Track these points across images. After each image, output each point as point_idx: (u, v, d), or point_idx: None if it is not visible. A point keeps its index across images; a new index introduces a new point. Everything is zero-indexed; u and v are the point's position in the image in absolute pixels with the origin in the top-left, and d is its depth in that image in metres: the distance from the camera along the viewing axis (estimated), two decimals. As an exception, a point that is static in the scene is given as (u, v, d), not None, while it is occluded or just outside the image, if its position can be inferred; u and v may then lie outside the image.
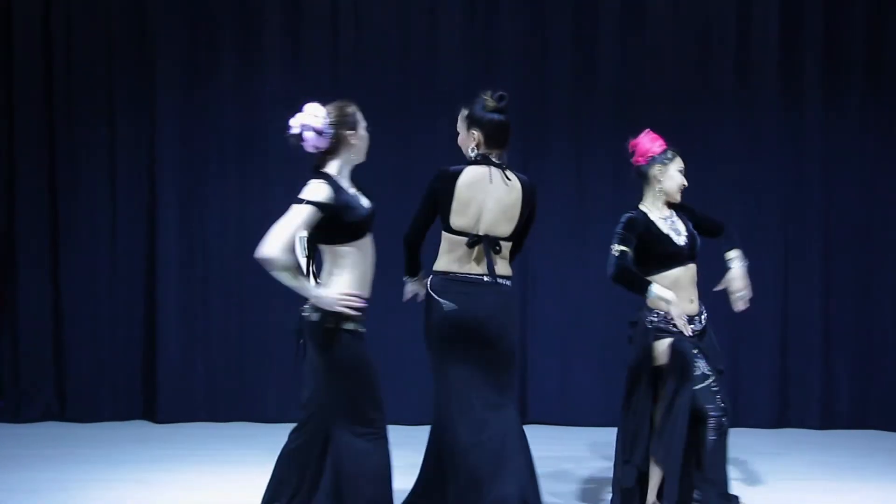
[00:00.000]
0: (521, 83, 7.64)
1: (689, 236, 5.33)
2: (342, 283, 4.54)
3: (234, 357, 7.95)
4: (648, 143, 5.35)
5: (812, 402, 7.82)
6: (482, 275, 4.97)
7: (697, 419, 5.17)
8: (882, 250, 7.84)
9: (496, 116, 5.01)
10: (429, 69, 7.87)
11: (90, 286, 7.90)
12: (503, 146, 5.05)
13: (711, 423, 5.16)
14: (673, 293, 5.10)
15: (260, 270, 7.80)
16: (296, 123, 4.58)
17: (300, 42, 7.93)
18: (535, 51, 7.89)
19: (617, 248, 5.17)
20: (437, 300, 4.92)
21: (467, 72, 7.80)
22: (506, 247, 5.05)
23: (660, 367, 5.23)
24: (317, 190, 4.48)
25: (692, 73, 7.85)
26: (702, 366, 5.21)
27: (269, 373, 7.91)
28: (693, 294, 5.31)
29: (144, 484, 6.12)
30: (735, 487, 5.52)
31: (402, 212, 5.13)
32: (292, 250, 4.59)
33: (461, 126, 5.09)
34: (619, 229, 5.22)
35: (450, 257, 5.00)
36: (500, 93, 5.04)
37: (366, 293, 4.61)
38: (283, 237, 4.38)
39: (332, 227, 4.50)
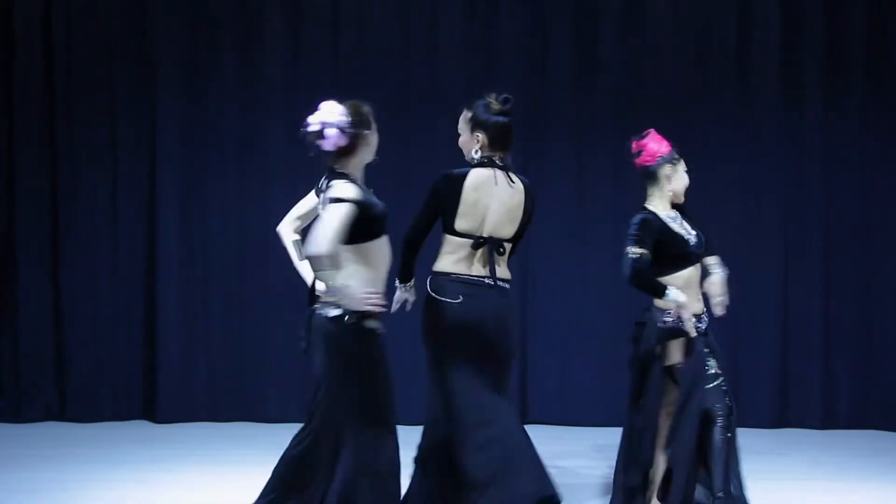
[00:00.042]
0: (521, 83, 7.64)
1: (697, 235, 5.34)
2: (363, 281, 4.55)
3: (235, 357, 7.95)
4: (656, 143, 5.35)
5: (812, 402, 7.83)
6: (484, 277, 5.00)
7: (707, 419, 5.19)
8: (882, 250, 7.84)
9: (501, 119, 5.03)
10: (429, 69, 7.87)
11: (90, 286, 7.91)
12: (507, 148, 5.08)
13: (720, 422, 5.18)
14: (685, 295, 5.13)
15: (260, 270, 7.89)
16: (315, 121, 4.58)
17: (300, 42, 7.93)
18: (535, 51, 7.89)
19: (635, 250, 5.14)
20: (441, 300, 4.92)
21: (467, 72, 7.80)
22: (508, 248, 5.09)
23: (670, 367, 5.23)
24: (348, 189, 4.50)
25: (692, 73, 7.86)
26: (713, 365, 5.24)
27: (269, 373, 7.91)
28: (700, 293, 5.33)
29: (144, 484, 6.12)
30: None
31: (401, 212, 5.13)
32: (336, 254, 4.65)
33: (464, 128, 5.10)
34: (633, 231, 5.18)
35: (452, 259, 5.00)
36: (505, 95, 5.05)
37: (382, 291, 4.63)
38: (332, 235, 4.40)
39: (357, 225, 4.50)
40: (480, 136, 5.03)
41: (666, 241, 5.21)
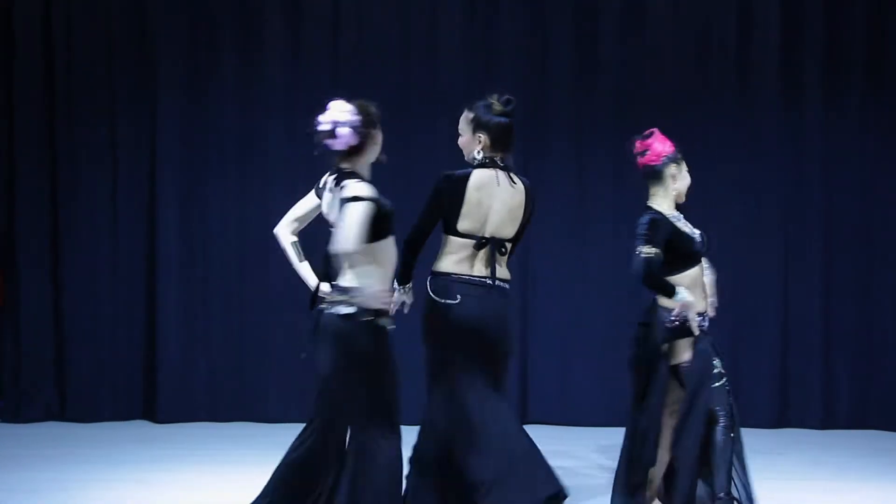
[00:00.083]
0: (521, 83, 7.64)
1: (700, 235, 5.35)
2: (374, 280, 4.57)
3: (235, 357, 7.95)
4: (661, 142, 5.36)
5: (812, 402, 7.83)
6: (486, 277, 5.03)
7: (710, 419, 5.20)
8: (882, 250, 7.84)
9: (503, 120, 5.05)
10: (429, 69, 7.87)
11: (90, 286, 7.91)
12: (508, 149, 5.12)
13: (722, 422, 5.20)
14: (692, 294, 5.15)
15: (260, 270, 7.89)
16: (327, 119, 4.59)
17: (300, 42, 7.93)
18: (535, 51, 7.89)
19: (647, 249, 5.12)
20: (442, 301, 4.92)
21: (467, 72, 7.81)
22: (509, 248, 5.12)
23: (675, 367, 5.23)
24: (363, 188, 4.52)
25: (692, 73, 7.86)
26: (718, 364, 5.26)
27: (269, 373, 7.91)
28: (703, 292, 5.34)
29: (144, 484, 6.12)
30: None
31: (401, 213, 5.12)
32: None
33: (465, 128, 5.12)
34: (643, 231, 5.16)
35: (453, 259, 5.02)
36: (507, 97, 5.09)
37: (391, 290, 4.69)
38: (357, 232, 4.43)
39: (370, 225, 4.52)
40: (483, 136, 5.06)
41: (674, 240, 5.21)
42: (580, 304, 7.84)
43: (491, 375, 5.02)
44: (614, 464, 6.41)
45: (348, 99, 4.69)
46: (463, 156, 5.19)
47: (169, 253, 7.90)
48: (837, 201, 7.84)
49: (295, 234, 4.80)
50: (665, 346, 5.20)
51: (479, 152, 5.08)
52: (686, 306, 5.11)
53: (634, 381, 5.30)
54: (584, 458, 6.76)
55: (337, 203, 4.55)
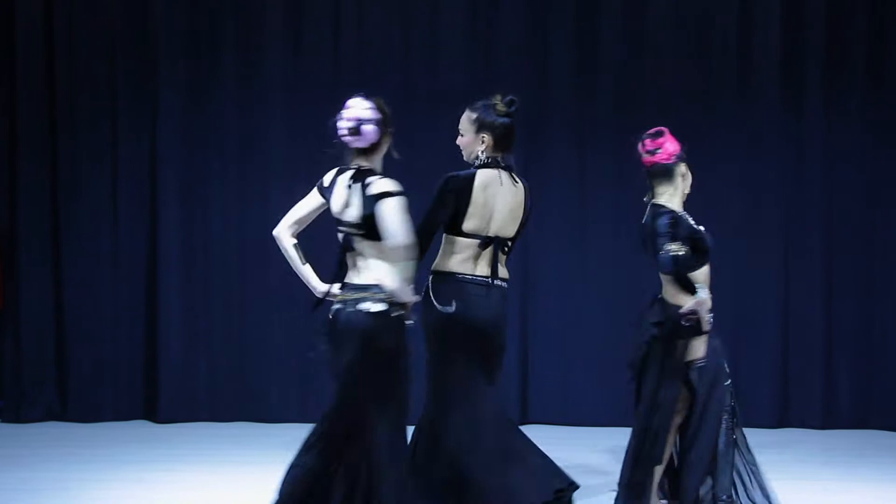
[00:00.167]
0: (521, 83, 7.63)
1: (707, 231, 5.38)
2: (393, 276, 4.59)
3: (236, 357, 7.95)
4: (672, 141, 5.37)
5: (813, 402, 7.82)
6: (488, 276, 5.06)
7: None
8: (883, 250, 7.84)
9: (507, 121, 5.08)
10: (429, 69, 7.87)
11: (92, 286, 7.91)
12: (509, 149, 5.16)
13: (724, 423, 5.24)
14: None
15: (260, 270, 7.90)
16: (351, 116, 4.59)
17: (301, 42, 7.94)
18: (536, 51, 7.89)
19: (674, 247, 5.12)
20: (440, 306, 4.93)
21: (468, 72, 7.81)
22: (510, 247, 5.16)
23: (688, 365, 5.25)
24: (392, 183, 4.56)
25: (692, 73, 7.85)
26: (725, 364, 5.30)
27: (270, 373, 7.92)
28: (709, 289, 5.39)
29: (145, 484, 6.13)
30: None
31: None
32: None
33: (468, 128, 5.14)
34: (666, 229, 5.15)
35: (457, 259, 5.04)
36: (510, 97, 5.12)
37: None
38: (407, 225, 4.50)
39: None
40: (486, 137, 5.10)
41: (693, 237, 5.24)
42: (580, 304, 7.84)
43: (489, 372, 5.08)
44: (614, 464, 6.43)
45: (346, 98, 4.68)
46: (462, 155, 5.21)
47: (169, 252, 7.91)
48: (838, 201, 7.83)
49: (295, 237, 4.76)
50: (681, 344, 5.21)
51: (482, 152, 5.11)
52: (702, 304, 5.15)
53: (646, 380, 5.27)
54: (584, 458, 6.75)
55: (359, 200, 4.55)
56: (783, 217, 7.85)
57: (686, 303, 5.18)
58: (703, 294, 5.14)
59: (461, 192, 5.00)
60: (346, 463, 4.58)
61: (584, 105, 7.89)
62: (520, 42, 7.88)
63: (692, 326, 5.20)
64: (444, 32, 7.91)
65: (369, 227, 4.55)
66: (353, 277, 4.61)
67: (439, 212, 5.04)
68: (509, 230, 5.13)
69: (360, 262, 4.58)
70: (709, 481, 5.31)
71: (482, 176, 5.06)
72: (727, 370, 5.33)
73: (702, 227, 5.33)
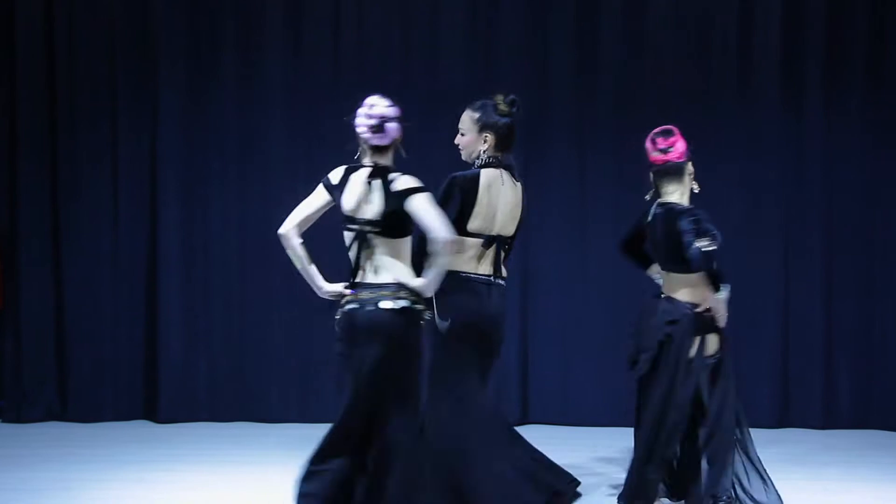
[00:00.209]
0: (521, 83, 7.63)
1: None
2: (408, 273, 4.62)
3: (236, 357, 7.95)
4: (682, 140, 5.39)
5: (813, 402, 7.82)
6: (491, 275, 5.13)
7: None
8: (883, 250, 7.84)
9: (509, 121, 5.11)
10: (429, 69, 7.87)
11: (92, 286, 7.91)
12: (510, 149, 5.20)
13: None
14: None
15: (261, 270, 7.90)
16: (374, 114, 4.62)
17: (301, 41, 7.94)
18: (536, 50, 7.89)
19: (704, 243, 5.14)
20: (441, 313, 4.94)
21: (468, 72, 7.81)
22: (510, 246, 5.24)
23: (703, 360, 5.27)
24: (414, 180, 4.61)
25: (692, 73, 7.85)
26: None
27: (270, 373, 7.92)
28: None
29: (145, 484, 6.13)
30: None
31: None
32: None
33: (470, 128, 5.17)
34: (692, 226, 5.17)
35: (460, 258, 5.05)
36: (512, 97, 5.16)
37: None
38: (445, 219, 4.58)
39: (408, 217, 4.59)
40: (489, 136, 5.14)
41: (711, 233, 5.28)
42: (580, 303, 7.84)
43: (484, 371, 5.15)
44: (614, 464, 6.45)
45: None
46: (460, 155, 5.23)
47: (169, 252, 7.91)
48: (838, 201, 7.83)
49: (300, 236, 4.72)
50: (697, 340, 5.23)
51: (483, 152, 5.14)
52: (723, 301, 5.19)
53: (659, 379, 5.26)
54: (584, 458, 6.75)
55: (380, 197, 4.57)
56: (783, 217, 7.84)
57: (696, 298, 5.21)
58: (726, 292, 5.17)
59: (467, 193, 5.04)
60: (367, 457, 4.60)
61: (584, 105, 7.89)
62: (520, 42, 7.88)
63: (708, 323, 5.23)
64: (444, 32, 7.91)
65: (388, 225, 4.57)
66: (369, 276, 4.62)
67: (445, 212, 5.05)
68: (510, 229, 5.20)
69: (376, 261, 4.59)
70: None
71: (486, 176, 5.10)
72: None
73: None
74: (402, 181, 4.59)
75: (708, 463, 5.27)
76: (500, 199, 5.13)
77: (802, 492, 6.01)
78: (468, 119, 5.20)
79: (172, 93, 7.89)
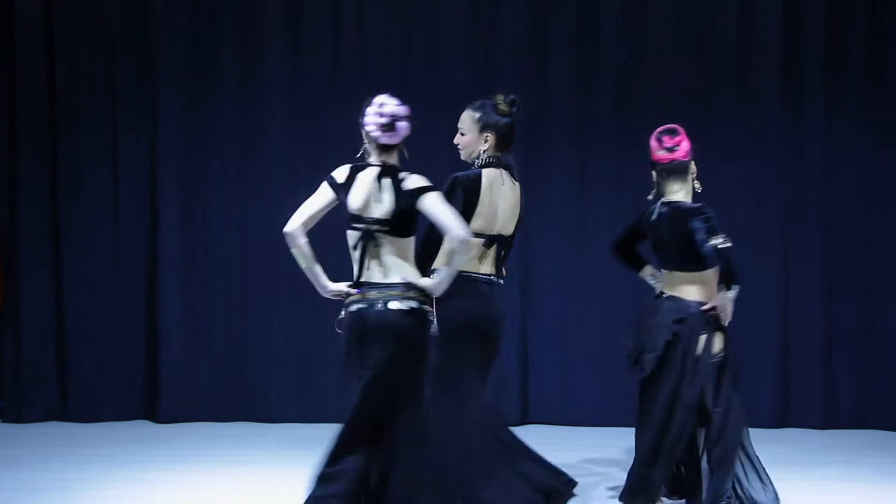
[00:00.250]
0: (522, 82, 7.64)
1: None
2: (415, 272, 4.64)
3: (236, 357, 7.95)
4: (687, 138, 5.40)
5: (813, 402, 7.82)
6: (492, 275, 5.16)
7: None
8: (883, 250, 7.84)
9: (509, 120, 5.12)
10: (429, 69, 7.87)
11: (92, 286, 7.91)
12: (510, 148, 5.20)
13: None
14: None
15: (261, 270, 7.90)
16: (386, 113, 4.61)
17: (301, 41, 7.94)
18: (536, 50, 7.89)
19: (720, 239, 5.16)
20: (449, 301, 4.94)
21: (468, 72, 7.81)
22: (510, 246, 5.25)
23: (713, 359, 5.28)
24: (423, 179, 4.62)
25: (692, 73, 7.85)
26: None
27: (270, 373, 7.92)
28: None
29: (145, 484, 6.13)
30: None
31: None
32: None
33: (471, 128, 5.17)
34: (707, 223, 5.18)
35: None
36: (512, 97, 5.17)
37: None
38: (460, 217, 4.61)
39: (415, 217, 4.61)
40: (490, 136, 5.15)
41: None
42: (580, 303, 7.84)
43: (483, 371, 5.16)
44: (614, 464, 6.45)
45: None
46: (460, 155, 5.23)
47: (170, 252, 7.91)
48: (838, 201, 7.83)
49: (306, 235, 4.67)
50: (703, 339, 5.23)
51: (483, 152, 5.15)
52: (731, 300, 5.21)
53: (666, 378, 5.26)
54: (584, 458, 6.75)
55: (391, 196, 4.57)
56: (783, 217, 7.85)
57: (702, 297, 5.23)
58: (736, 290, 5.19)
59: (470, 192, 5.04)
60: (379, 453, 4.60)
61: (584, 105, 7.89)
62: (520, 42, 7.88)
63: (714, 321, 5.24)
64: (444, 32, 7.91)
65: (398, 224, 4.58)
66: (376, 275, 4.61)
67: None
68: (509, 228, 5.22)
69: (383, 260, 4.59)
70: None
71: (487, 175, 5.12)
72: None
73: None
74: (412, 180, 4.60)
75: (716, 464, 5.25)
76: (501, 198, 5.14)
77: (802, 492, 6.01)
78: (469, 119, 5.20)
79: (172, 93, 7.89)
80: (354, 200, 4.61)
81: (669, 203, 5.34)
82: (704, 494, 5.28)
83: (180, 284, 7.93)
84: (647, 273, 5.59)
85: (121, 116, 7.91)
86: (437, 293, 4.63)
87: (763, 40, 7.81)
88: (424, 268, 4.94)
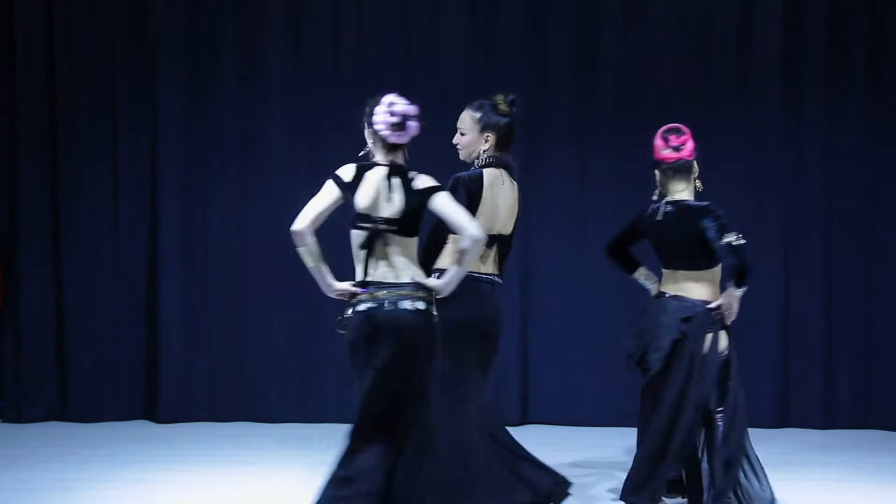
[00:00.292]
0: (522, 82, 7.64)
1: None
2: (420, 272, 4.64)
3: (236, 357, 7.95)
4: (692, 137, 5.40)
5: (813, 402, 7.82)
6: (493, 274, 5.16)
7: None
8: (883, 250, 7.84)
9: (509, 120, 5.13)
10: (429, 69, 7.87)
11: (92, 286, 7.91)
12: (510, 148, 5.21)
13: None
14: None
15: (261, 270, 7.90)
16: (397, 112, 4.59)
17: (301, 41, 7.94)
18: (536, 50, 7.89)
19: (733, 237, 5.20)
20: (448, 303, 4.94)
21: (468, 71, 7.81)
22: (510, 245, 5.26)
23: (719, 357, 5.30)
24: (432, 179, 4.62)
25: (692, 73, 7.85)
26: None
27: (270, 373, 7.92)
28: None
29: (145, 484, 6.13)
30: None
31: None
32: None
33: (471, 127, 5.18)
34: (720, 222, 5.22)
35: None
36: (512, 97, 5.18)
37: None
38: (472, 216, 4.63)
39: (421, 217, 4.62)
40: (491, 136, 5.16)
41: None
42: (580, 303, 7.84)
43: (484, 370, 5.16)
44: (614, 464, 6.44)
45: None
46: (457, 155, 5.25)
47: (170, 252, 7.91)
48: (838, 201, 7.83)
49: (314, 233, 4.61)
50: (710, 337, 5.23)
51: (483, 151, 5.16)
52: (738, 298, 5.24)
53: (674, 377, 5.25)
54: (584, 458, 6.75)
55: (401, 195, 4.57)
56: (783, 217, 7.85)
57: (708, 295, 5.25)
58: (745, 288, 5.21)
59: (473, 193, 5.05)
60: (389, 452, 4.60)
61: (584, 105, 7.89)
62: (520, 42, 7.88)
63: (719, 320, 5.25)
64: (444, 32, 7.91)
65: (406, 223, 4.58)
66: (383, 275, 4.60)
67: None
68: (508, 228, 5.23)
69: (391, 260, 4.58)
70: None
71: (488, 175, 5.14)
72: None
73: None
74: (422, 179, 4.60)
75: (724, 465, 5.24)
76: (501, 198, 5.15)
77: (802, 492, 6.01)
78: (469, 119, 5.21)
79: (172, 93, 7.89)
80: (363, 200, 4.58)
81: (675, 202, 5.34)
82: (705, 495, 5.27)
83: (180, 284, 7.93)
84: (641, 275, 5.58)
85: (121, 116, 7.91)
86: (445, 293, 4.62)
87: (763, 40, 7.81)
88: (427, 268, 4.94)
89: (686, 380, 5.24)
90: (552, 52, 7.89)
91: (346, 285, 4.62)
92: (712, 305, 5.28)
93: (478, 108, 5.19)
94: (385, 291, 4.56)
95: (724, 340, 5.33)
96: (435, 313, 4.62)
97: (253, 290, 7.92)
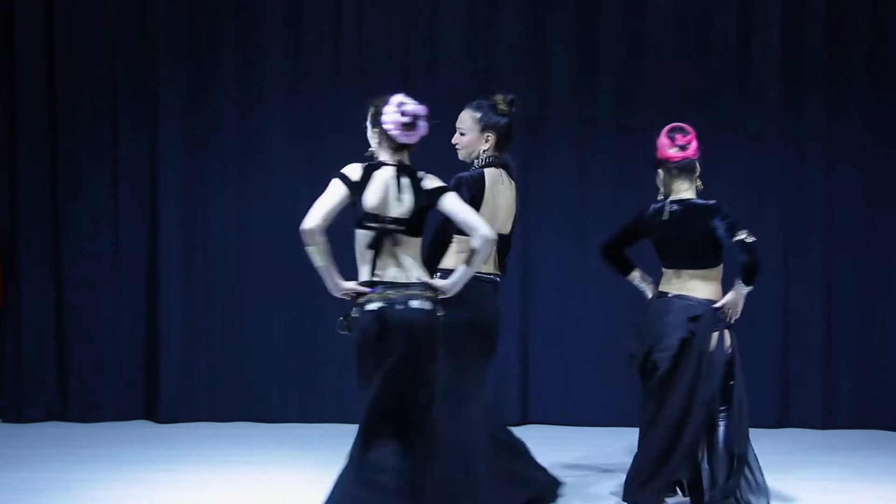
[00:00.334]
0: (522, 82, 7.64)
1: None
2: (425, 272, 4.66)
3: (236, 357, 7.95)
4: (696, 137, 5.41)
5: (813, 402, 7.82)
6: (494, 274, 5.17)
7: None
8: (883, 250, 7.84)
9: (509, 120, 5.14)
10: (429, 69, 7.87)
11: (92, 286, 7.91)
12: (509, 148, 5.23)
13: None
14: None
15: (261, 270, 7.90)
16: (408, 111, 4.58)
17: (301, 41, 7.94)
18: (536, 50, 7.89)
19: (744, 235, 5.20)
20: (449, 302, 4.94)
21: (468, 71, 7.81)
22: (510, 245, 5.28)
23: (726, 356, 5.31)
24: (438, 179, 4.64)
25: (692, 73, 7.85)
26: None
27: (270, 373, 7.92)
28: None
29: (145, 484, 6.13)
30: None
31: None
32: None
33: (472, 127, 5.18)
34: (729, 219, 5.23)
35: (464, 258, 5.06)
36: (511, 97, 5.19)
37: None
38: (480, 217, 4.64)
39: (427, 216, 4.62)
40: (491, 136, 5.17)
41: None
42: (580, 303, 7.84)
43: (485, 370, 5.18)
44: (614, 464, 6.44)
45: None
46: (455, 154, 5.25)
47: (170, 252, 7.91)
48: (838, 201, 7.83)
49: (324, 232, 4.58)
50: (716, 336, 5.23)
51: (483, 151, 5.17)
52: (744, 296, 5.26)
53: (682, 377, 5.25)
54: (584, 458, 6.76)
55: (410, 195, 4.57)
56: (783, 217, 7.85)
57: (712, 294, 5.26)
58: (751, 286, 5.23)
59: (475, 192, 5.05)
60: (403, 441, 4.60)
61: (584, 105, 7.89)
62: (520, 42, 7.88)
63: (724, 319, 5.27)
64: (444, 32, 7.91)
65: (415, 223, 4.58)
66: (391, 274, 4.59)
67: None
68: (508, 227, 5.24)
69: (400, 260, 4.58)
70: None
71: (489, 175, 5.15)
72: None
73: None
74: (430, 179, 4.62)
75: (729, 464, 5.25)
76: (501, 198, 5.17)
77: (802, 492, 6.00)
78: (469, 119, 5.21)
79: (172, 93, 7.90)
80: (371, 199, 4.56)
81: (681, 201, 5.34)
82: (706, 495, 5.27)
83: (180, 284, 7.93)
84: (636, 277, 5.57)
85: (121, 116, 7.91)
86: (452, 293, 4.62)
87: (763, 40, 7.81)
88: (432, 268, 4.94)
89: (694, 379, 5.24)
90: (552, 52, 7.89)
91: (353, 285, 4.61)
92: (718, 304, 5.28)
93: (477, 108, 5.20)
94: (395, 291, 4.56)
95: (729, 339, 5.33)
96: (440, 313, 4.62)
97: (253, 290, 7.93)
